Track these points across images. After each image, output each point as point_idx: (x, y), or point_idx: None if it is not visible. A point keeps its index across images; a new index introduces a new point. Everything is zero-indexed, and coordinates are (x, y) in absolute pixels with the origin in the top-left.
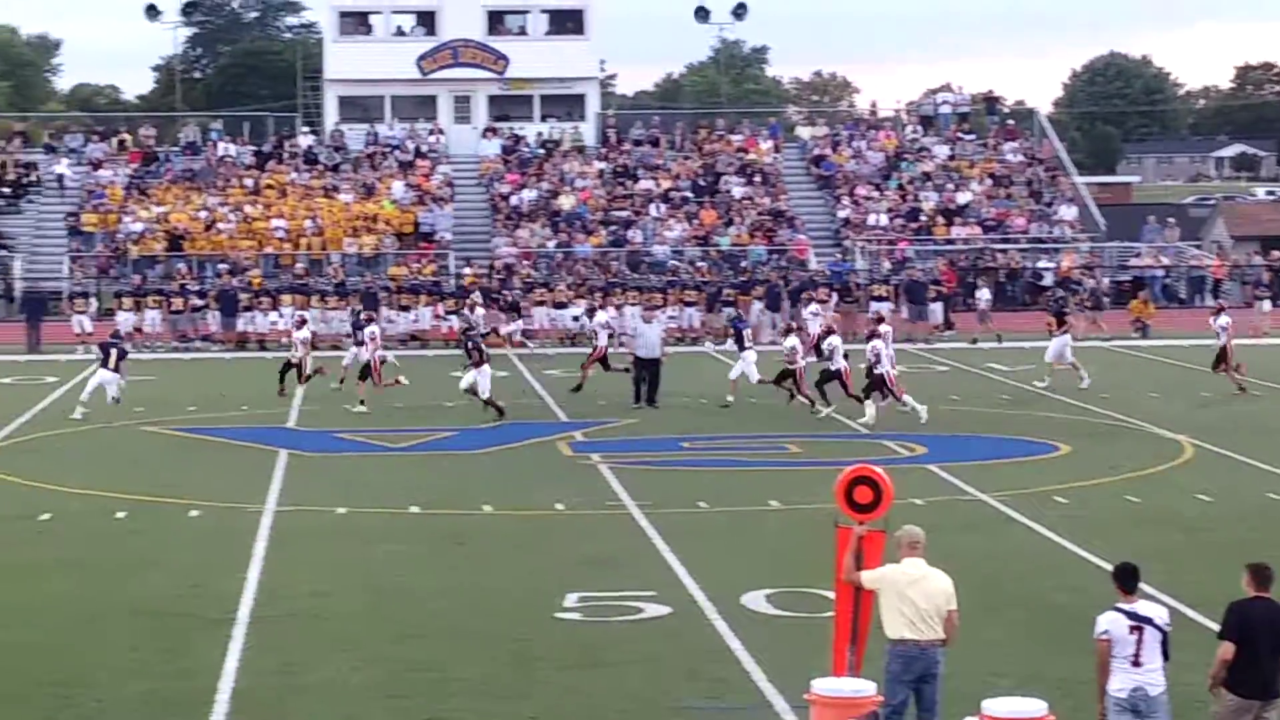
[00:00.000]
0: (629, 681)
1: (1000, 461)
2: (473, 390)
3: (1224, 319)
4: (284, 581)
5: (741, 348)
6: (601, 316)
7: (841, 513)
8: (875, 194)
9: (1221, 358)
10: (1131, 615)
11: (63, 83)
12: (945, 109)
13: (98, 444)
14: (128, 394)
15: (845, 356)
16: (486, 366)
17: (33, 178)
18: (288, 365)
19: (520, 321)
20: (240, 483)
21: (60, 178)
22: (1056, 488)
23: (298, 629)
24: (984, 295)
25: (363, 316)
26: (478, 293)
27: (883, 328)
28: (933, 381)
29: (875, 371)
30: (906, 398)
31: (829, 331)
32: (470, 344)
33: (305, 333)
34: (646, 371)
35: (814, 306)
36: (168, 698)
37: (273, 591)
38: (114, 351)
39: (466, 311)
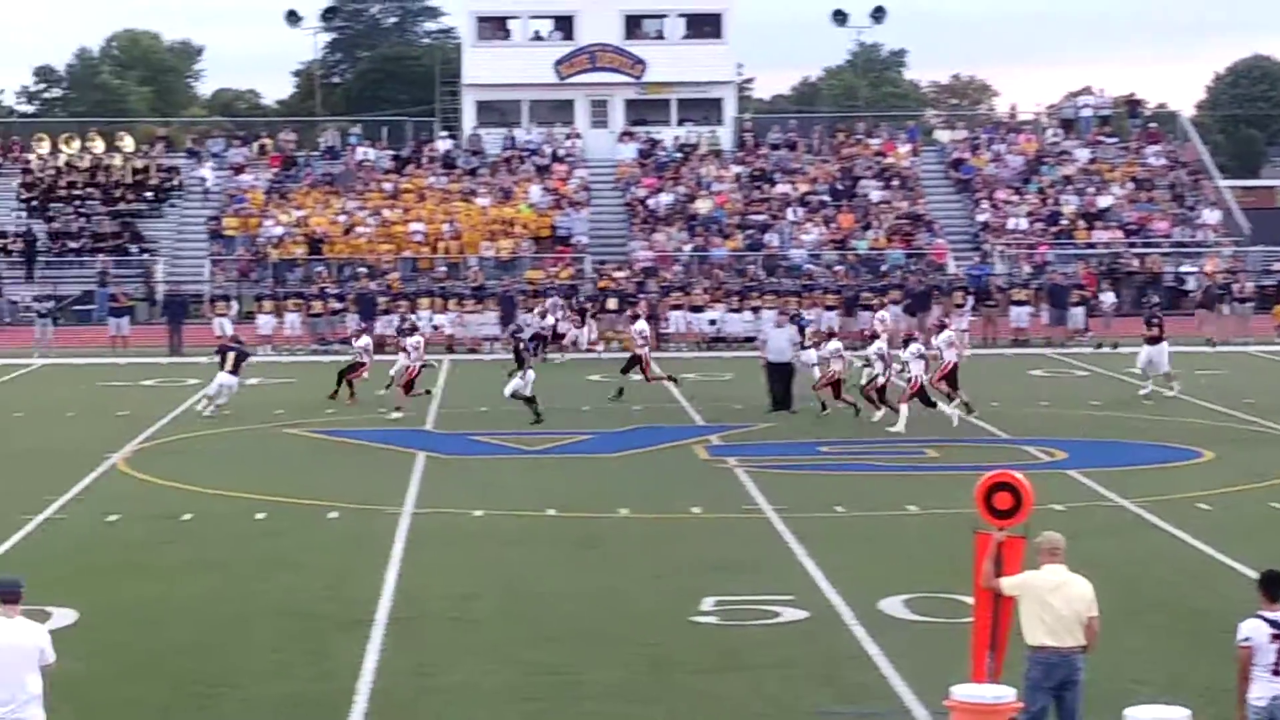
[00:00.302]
0: (766, 686)
1: (1142, 467)
2: (517, 396)
3: None
4: (421, 583)
5: (802, 346)
6: (641, 324)
7: (981, 518)
8: (1015, 198)
9: None
10: (1274, 624)
11: (204, 88)
12: (1086, 112)
13: (238, 446)
14: (267, 397)
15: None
16: (531, 372)
17: (175, 182)
18: (350, 368)
19: (585, 329)
20: (378, 485)
21: (204, 181)
22: (1199, 494)
23: (434, 631)
24: (1108, 299)
25: (405, 325)
26: (557, 295)
27: (937, 336)
28: (1073, 386)
29: (920, 378)
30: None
31: (872, 336)
32: (519, 346)
33: (366, 340)
34: (778, 376)
35: (883, 313)
36: (308, 698)
37: (410, 593)
38: (232, 355)
39: (534, 316)
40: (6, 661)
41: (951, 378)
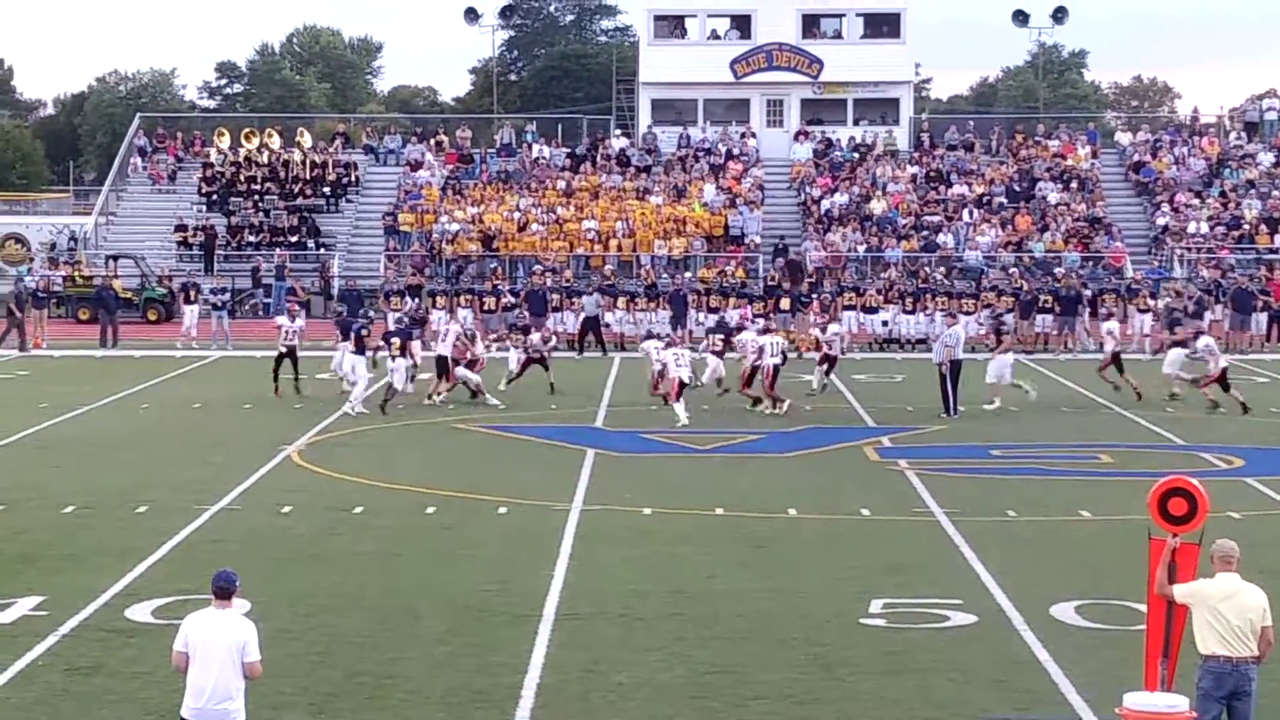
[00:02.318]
0: (934, 690)
1: None
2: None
3: (1111, 324)
4: (590, 580)
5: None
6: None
7: (1155, 524)
8: (1195, 201)
9: (1110, 363)
10: None
11: (382, 84)
12: (1271, 115)
13: (409, 440)
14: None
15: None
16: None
17: (352, 177)
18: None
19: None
20: (548, 481)
21: (414, 170)
22: None
23: (603, 627)
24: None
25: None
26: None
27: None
28: (1253, 393)
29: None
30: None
31: (761, 330)
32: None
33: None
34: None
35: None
36: (475, 691)
37: (579, 589)
38: (396, 340)
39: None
40: (213, 655)
41: (749, 380)
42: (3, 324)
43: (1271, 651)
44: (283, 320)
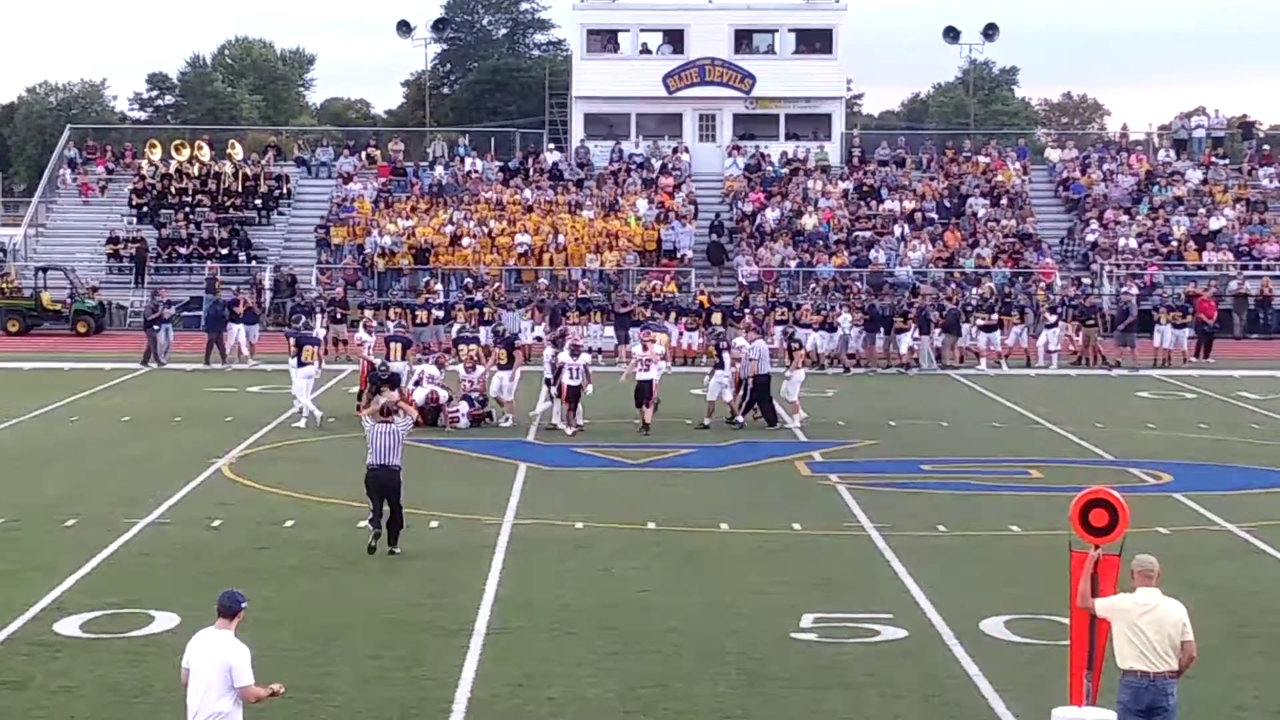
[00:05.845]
0: (864, 705)
1: (1249, 491)
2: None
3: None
4: (521, 594)
5: (720, 366)
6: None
7: (1077, 536)
8: (1125, 218)
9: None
10: None
11: (315, 97)
12: (1199, 133)
13: (341, 453)
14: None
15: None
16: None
17: (284, 190)
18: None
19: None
20: (480, 495)
21: (346, 182)
22: None
23: (534, 641)
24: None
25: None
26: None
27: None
28: (1181, 408)
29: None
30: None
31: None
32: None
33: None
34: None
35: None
36: (405, 706)
37: (510, 603)
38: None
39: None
40: (201, 675)
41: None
42: (146, 341)
43: (1193, 665)
44: (362, 335)
